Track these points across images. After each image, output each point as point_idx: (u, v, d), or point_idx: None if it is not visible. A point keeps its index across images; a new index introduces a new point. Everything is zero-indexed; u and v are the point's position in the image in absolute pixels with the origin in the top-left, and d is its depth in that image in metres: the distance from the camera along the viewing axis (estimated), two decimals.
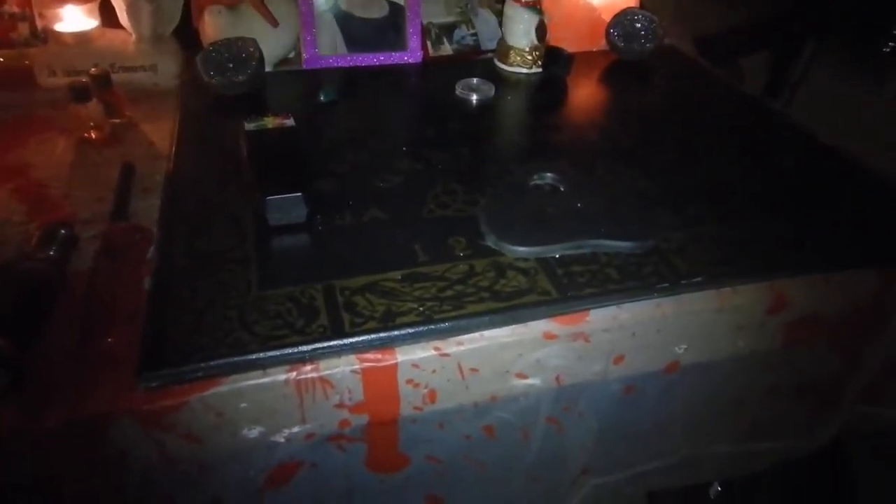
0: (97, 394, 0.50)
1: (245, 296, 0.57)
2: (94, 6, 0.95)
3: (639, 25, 1.05)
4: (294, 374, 0.53)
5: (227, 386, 0.51)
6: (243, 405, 0.52)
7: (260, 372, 0.52)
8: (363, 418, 0.57)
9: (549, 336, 0.58)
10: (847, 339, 0.73)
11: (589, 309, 0.59)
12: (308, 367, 0.53)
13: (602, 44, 1.08)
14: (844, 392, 0.81)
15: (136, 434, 0.51)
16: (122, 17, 0.95)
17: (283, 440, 0.56)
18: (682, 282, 0.61)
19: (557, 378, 0.62)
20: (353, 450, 0.60)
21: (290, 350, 0.53)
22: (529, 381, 0.60)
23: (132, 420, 0.50)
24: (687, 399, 0.71)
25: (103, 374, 0.51)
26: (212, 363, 0.51)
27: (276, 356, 0.52)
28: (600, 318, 0.59)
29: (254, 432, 0.54)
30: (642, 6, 1.11)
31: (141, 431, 0.50)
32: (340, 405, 0.55)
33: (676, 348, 0.64)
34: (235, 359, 0.52)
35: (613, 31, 1.05)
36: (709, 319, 0.63)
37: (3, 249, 0.63)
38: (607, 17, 1.06)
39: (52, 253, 0.60)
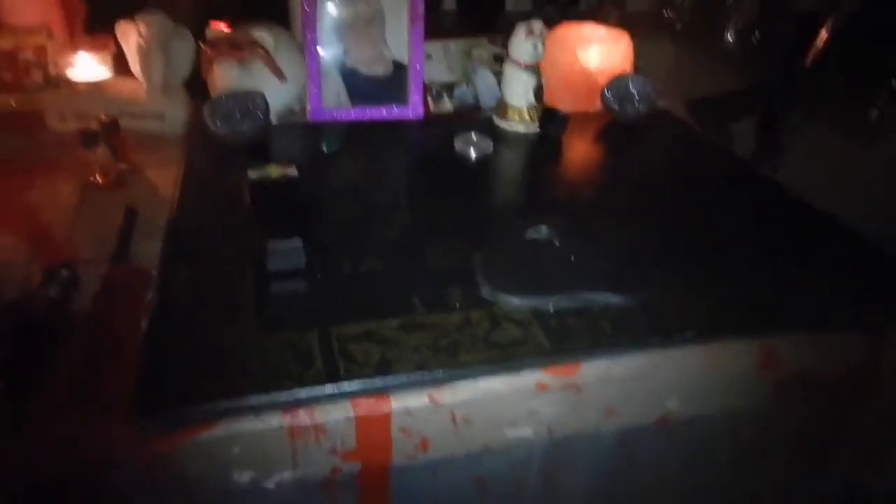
0: (94, 438, 0.50)
1: (242, 340, 0.58)
2: (107, 55, 0.99)
3: (633, 89, 1.09)
4: (288, 419, 0.53)
5: (220, 430, 0.51)
6: (236, 449, 0.52)
7: (254, 416, 0.52)
8: (355, 465, 0.57)
9: (541, 386, 0.59)
10: (837, 400, 0.74)
11: (581, 361, 0.60)
12: (302, 413, 0.53)
13: (597, 105, 1.12)
14: (837, 455, 0.81)
15: (131, 479, 0.50)
16: (134, 66, 0.98)
17: (273, 486, 0.55)
18: (673, 336, 0.62)
19: (550, 430, 0.62)
20: (343, 497, 0.59)
21: (284, 395, 0.53)
22: (522, 431, 0.61)
23: (128, 464, 0.50)
24: (681, 458, 0.71)
25: (100, 417, 0.51)
26: (207, 407, 0.52)
27: (270, 401, 0.53)
28: (593, 370, 0.60)
29: (245, 477, 0.54)
30: (637, 70, 1.15)
31: (136, 476, 0.50)
32: (333, 452, 0.55)
33: (667, 402, 0.64)
34: (230, 403, 0.52)
35: (608, 94, 1.09)
36: (699, 374, 0.64)
37: (5, 288, 0.64)
38: (603, 80, 1.10)
39: (53, 294, 0.61)
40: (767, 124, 1.56)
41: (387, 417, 0.55)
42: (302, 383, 0.54)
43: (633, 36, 1.16)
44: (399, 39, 1.05)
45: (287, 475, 0.55)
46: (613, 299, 0.65)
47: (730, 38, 1.72)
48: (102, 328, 0.60)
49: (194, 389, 0.52)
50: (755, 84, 1.62)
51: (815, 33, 1.43)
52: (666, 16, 1.85)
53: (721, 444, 0.72)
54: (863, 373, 0.70)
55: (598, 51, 1.12)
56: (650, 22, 1.86)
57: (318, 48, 1.02)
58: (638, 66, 1.17)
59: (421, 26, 1.04)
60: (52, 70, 1.02)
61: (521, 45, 1.01)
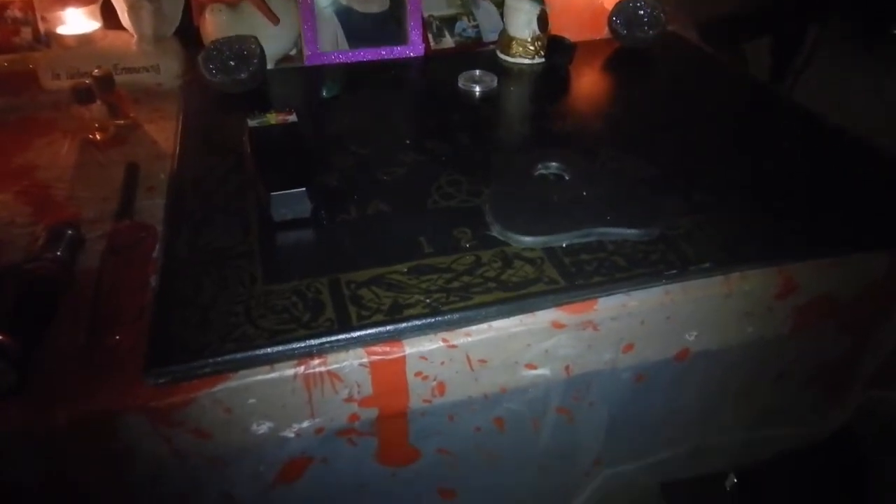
0: (104, 391, 0.50)
1: (251, 291, 0.57)
2: (96, 8, 0.96)
3: (641, 12, 1.04)
4: (302, 368, 0.53)
5: (235, 381, 0.51)
6: (252, 400, 0.52)
7: (267, 367, 0.52)
8: (373, 412, 0.57)
9: (557, 325, 0.58)
10: (857, 322, 0.73)
11: (597, 297, 0.59)
12: (316, 362, 0.53)
13: (604, 32, 1.08)
14: (855, 377, 0.81)
15: (144, 430, 0.51)
16: (124, 18, 0.95)
17: (292, 435, 0.56)
18: (690, 268, 0.61)
19: (567, 368, 0.61)
20: (363, 444, 0.60)
21: (297, 344, 0.52)
22: (539, 371, 0.60)
23: (140, 417, 0.50)
24: (697, 387, 0.71)
25: (111, 372, 0.51)
26: (219, 359, 0.51)
27: (283, 351, 0.52)
28: (609, 307, 0.59)
29: (263, 427, 0.54)
30: None
31: (149, 428, 0.51)
32: (349, 399, 0.55)
33: (686, 335, 0.63)
34: (243, 354, 0.52)
35: (616, 19, 1.05)
36: (717, 306, 0.62)
37: (9, 250, 0.64)
38: (609, 5, 1.06)
39: (59, 253, 0.60)
40: (782, 43, 1.50)
41: (402, 362, 0.55)
42: (314, 332, 0.53)
43: None
44: None
45: (306, 424, 0.56)
46: (627, 233, 0.64)
47: None
48: (110, 286, 0.59)
49: (206, 342, 0.52)
50: (768, 2, 1.55)
51: None
52: None
53: (737, 373, 0.72)
54: (883, 290, 0.69)
55: None
56: None
57: None
58: None
59: None
60: (41, 26, 0.99)
61: None
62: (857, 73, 1.40)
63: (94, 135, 0.83)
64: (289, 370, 0.52)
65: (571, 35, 1.02)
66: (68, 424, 0.48)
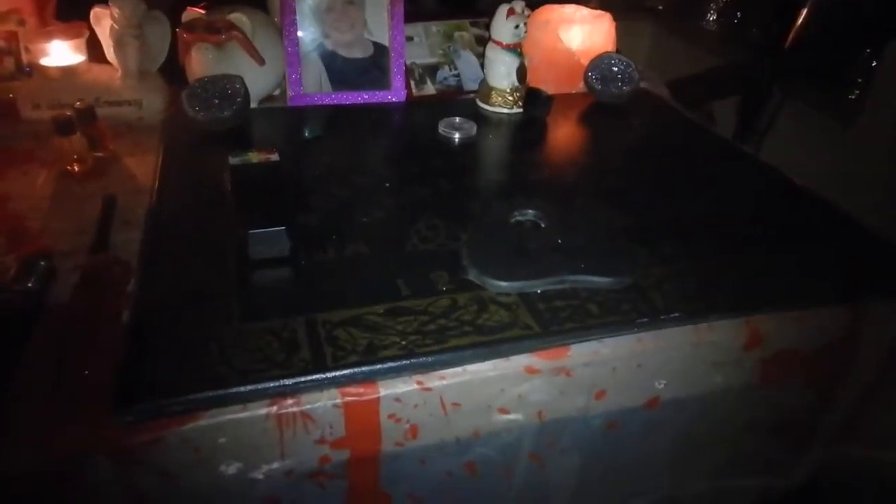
0: (69, 431, 0.49)
1: (225, 329, 0.57)
2: (82, 42, 0.96)
3: (616, 69, 1.09)
4: (275, 408, 0.52)
5: (205, 420, 0.50)
6: (222, 440, 0.51)
7: (240, 406, 0.52)
8: (344, 454, 0.57)
9: (531, 370, 0.58)
10: (820, 376, 0.75)
11: (570, 344, 0.60)
12: (289, 402, 0.53)
13: (580, 86, 1.12)
14: (819, 431, 0.82)
15: (109, 473, 0.49)
16: (109, 53, 0.96)
17: (261, 477, 0.55)
18: (661, 317, 0.62)
19: (539, 413, 0.62)
20: (333, 487, 0.59)
21: (271, 384, 0.52)
22: (512, 416, 0.60)
23: (105, 458, 0.49)
24: (667, 435, 0.71)
25: (77, 410, 0.50)
26: (190, 397, 0.51)
27: (256, 390, 0.52)
28: (582, 353, 0.60)
29: (232, 468, 0.53)
30: (619, 51, 1.14)
31: (114, 471, 0.49)
32: (321, 441, 0.55)
33: (656, 383, 0.64)
34: (215, 393, 0.51)
35: (591, 75, 1.09)
36: (687, 354, 0.64)
37: None
38: (585, 61, 1.10)
39: (29, 285, 0.60)
40: (748, 104, 1.57)
41: (375, 404, 0.55)
42: (288, 371, 0.53)
43: (615, 17, 1.15)
44: (379, 21, 1.03)
45: (276, 465, 0.55)
46: (600, 281, 0.65)
47: (711, 18, 1.72)
48: (81, 320, 0.58)
49: (177, 380, 0.51)
50: (736, 64, 1.62)
51: (795, 14, 1.43)
52: None
53: (706, 422, 0.73)
54: (844, 346, 0.71)
55: (581, 32, 1.11)
56: (632, 3, 1.86)
57: (297, 31, 1.00)
58: (619, 47, 1.16)
59: (401, 8, 1.02)
60: (24, 57, 0.99)
61: (504, 25, 0.99)
62: (818, 133, 1.46)
63: (73, 166, 0.82)
64: (261, 409, 0.52)
65: (549, 88, 1.05)
66: (29, 468, 0.47)
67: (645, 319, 0.62)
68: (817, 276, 0.71)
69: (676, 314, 0.63)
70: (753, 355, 0.67)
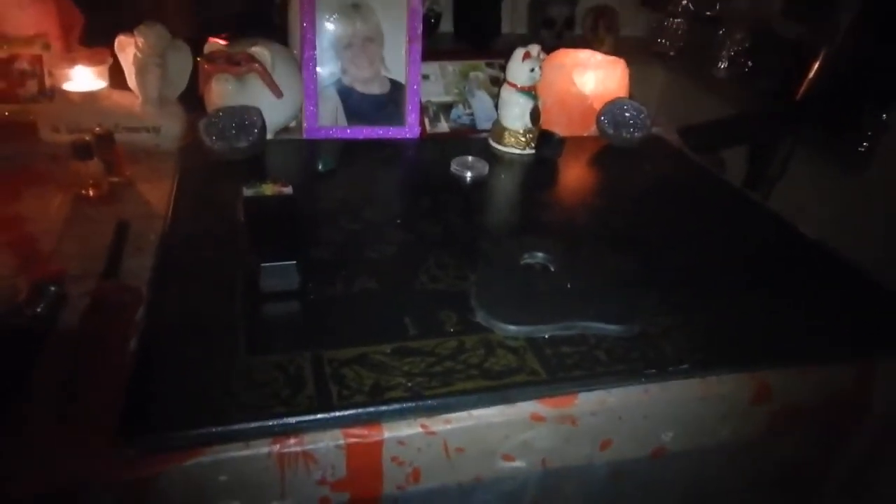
0: (73, 461, 0.48)
1: (232, 362, 0.57)
2: (105, 69, 0.98)
3: (628, 114, 1.10)
4: (277, 447, 0.52)
5: (207, 457, 0.50)
6: (223, 478, 0.51)
7: (242, 444, 0.51)
8: (344, 496, 0.56)
9: (536, 418, 0.58)
10: (827, 432, 0.74)
11: (578, 392, 0.59)
12: (292, 441, 0.52)
13: (592, 129, 1.13)
14: (825, 487, 0.81)
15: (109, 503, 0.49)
16: (131, 80, 0.98)
17: None
18: (670, 368, 0.62)
19: (544, 461, 0.61)
20: None
21: (275, 421, 0.52)
22: (516, 463, 0.60)
23: (107, 490, 0.48)
24: (673, 487, 0.70)
25: (82, 440, 0.50)
26: (193, 432, 0.50)
27: (260, 427, 0.51)
28: (589, 402, 0.59)
29: None
30: (631, 96, 1.16)
31: (115, 501, 0.49)
32: (322, 481, 0.54)
33: (663, 435, 0.64)
34: (219, 428, 0.51)
35: (604, 119, 1.10)
36: (695, 407, 0.63)
37: None
38: (598, 105, 1.11)
39: (38, 310, 0.60)
40: (758, 152, 1.58)
41: (379, 446, 0.54)
42: (293, 409, 0.53)
43: (627, 62, 1.17)
44: (397, 59, 1.05)
45: None
46: (609, 328, 0.65)
47: (722, 66, 1.75)
48: (89, 347, 0.58)
49: (181, 413, 0.51)
50: (746, 112, 1.64)
51: (806, 63, 1.45)
52: (660, 42, 1.88)
53: (712, 476, 0.72)
54: (853, 402, 0.70)
55: (595, 76, 1.12)
56: (644, 48, 1.89)
57: (316, 66, 1.01)
58: (632, 92, 1.18)
59: (419, 46, 1.04)
60: (47, 81, 1.01)
61: (519, 68, 1.01)
62: (828, 182, 1.47)
63: (88, 191, 0.83)
64: (264, 448, 0.51)
65: (561, 130, 1.06)
66: (29, 493, 0.47)
67: (653, 370, 0.61)
68: (827, 330, 0.70)
69: (685, 366, 0.62)
70: (761, 409, 0.66)
